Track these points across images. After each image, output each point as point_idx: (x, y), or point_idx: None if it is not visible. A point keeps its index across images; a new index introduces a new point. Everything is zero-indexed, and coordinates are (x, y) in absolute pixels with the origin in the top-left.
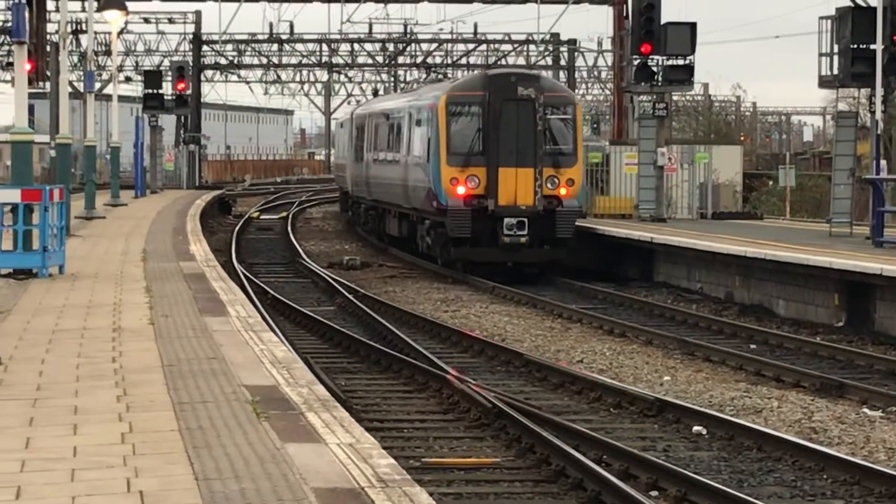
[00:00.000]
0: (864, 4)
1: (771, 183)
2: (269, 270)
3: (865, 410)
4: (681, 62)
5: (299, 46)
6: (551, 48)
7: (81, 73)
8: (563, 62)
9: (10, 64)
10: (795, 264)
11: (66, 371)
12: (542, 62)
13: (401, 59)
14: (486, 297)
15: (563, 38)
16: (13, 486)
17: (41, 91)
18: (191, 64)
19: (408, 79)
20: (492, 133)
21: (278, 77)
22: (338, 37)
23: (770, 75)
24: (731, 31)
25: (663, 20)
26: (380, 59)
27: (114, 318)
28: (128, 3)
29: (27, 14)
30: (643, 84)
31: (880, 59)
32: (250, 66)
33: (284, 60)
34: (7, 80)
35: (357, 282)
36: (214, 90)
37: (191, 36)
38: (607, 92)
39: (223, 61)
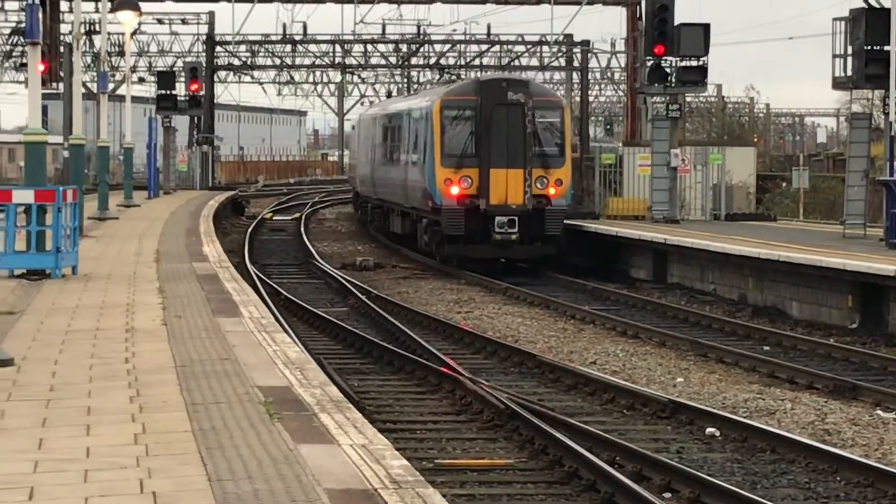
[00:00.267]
0: (877, 6)
1: (784, 184)
2: (282, 271)
3: (879, 412)
4: (694, 63)
5: (312, 47)
6: (564, 49)
7: (95, 73)
8: (576, 63)
9: (24, 65)
10: (809, 266)
11: (80, 372)
12: (556, 63)
13: (414, 60)
14: (500, 298)
15: (577, 38)
16: (26, 486)
17: (55, 92)
18: (204, 65)
19: (421, 80)
20: (483, 136)
21: (291, 78)
22: (351, 38)
23: (784, 77)
24: (744, 33)
25: (677, 21)
26: (393, 59)
27: (127, 318)
28: (141, 4)
29: (41, 15)
30: (657, 85)
31: (894, 61)
32: (263, 67)
33: (297, 61)
34: (21, 80)
35: (370, 283)
36: (228, 91)
37: (204, 37)
38: (620, 93)
39: (236, 62)
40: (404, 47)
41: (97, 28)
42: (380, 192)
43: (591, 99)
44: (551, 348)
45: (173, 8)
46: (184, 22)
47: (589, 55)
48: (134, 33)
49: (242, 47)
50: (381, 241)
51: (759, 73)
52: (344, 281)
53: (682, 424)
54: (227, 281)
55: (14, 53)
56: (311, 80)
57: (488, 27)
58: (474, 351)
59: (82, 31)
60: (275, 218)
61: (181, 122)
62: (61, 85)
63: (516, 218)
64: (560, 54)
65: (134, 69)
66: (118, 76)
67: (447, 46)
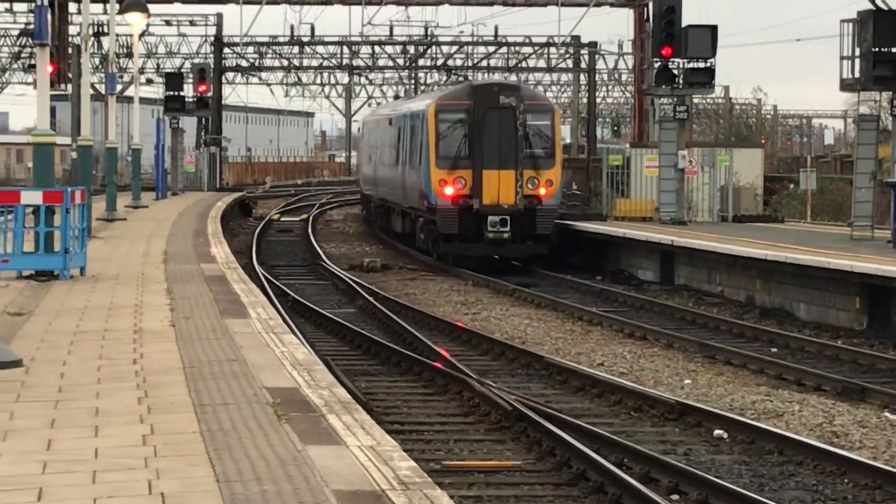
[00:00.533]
0: (885, 8)
1: (792, 186)
2: (290, 273)
3: (887, 414)
4: (701, 65)
5: (320, 49)
6: (572, 51)
7: (103, 75)
8: (583, 64)
9: (33, 66)
10: (816, 268)
11: (88, 373)
12: (563, 64)
13: (421, 62)
14: (507, 299)
15: (584, 40)
16: (35, 487)
17: (63, 93)
18: (212, 66)
19: (428, 81)
20: (476, 138)
21: (299, 79)
22: (359, 39)
23: (791, 78)
24: (752, 34)
25: (684, 23)
26: (400, 61)
27: (135, 319)
28: (149, 6)
29: (49, 16)
30: (664, 87)
31: None
32: (271, 69)
33: (305, 63)
34: (29, 82)
35: (377, 284)
36: (235, 92)
37: (212, 38)
38: (628, 94)
39: (244, 63)
40: (412, 49)
41: (105, 29)
42: (382, 192)
43: (598, 100)
44: (559, 350)
45: (181, 9)
46: (192, 23)
47: (596, 57)
48: (142, 35)
49: (250, 49)
50: (388, 242)
51: (766, 75)
52: (351, 282)
53: (689, 426)
54: (235, 282)
55: (23, 55)
56: (318, 81)
57: (496, 29)
58: (481, 352)
59: (91, 32)
60: (282, 219)
61: (189, 124)
62: (70, 86)
63: (508, 217)
64: (567, 56)
65: (142, 70)
66: (126, 77)
67: (455, 48)
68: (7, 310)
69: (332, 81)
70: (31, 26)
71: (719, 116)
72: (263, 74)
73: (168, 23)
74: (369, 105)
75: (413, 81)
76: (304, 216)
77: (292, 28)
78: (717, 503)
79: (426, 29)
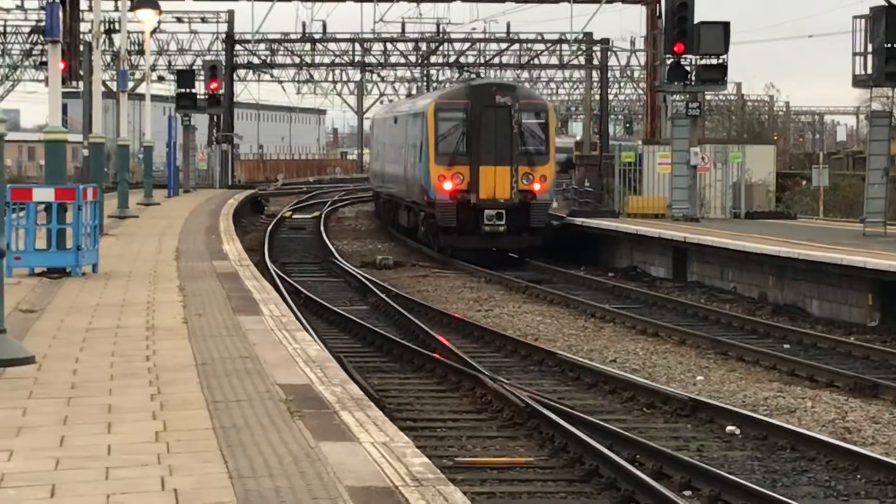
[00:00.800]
0: None
1: (804, 182)
2: (302, 270)
3: None
4: (714, 61)
5: (332, 46)
6: (584, 47)
7: (114, 72)
8: (595, 61)
9: (44, 63)
10: (829, 264)
11: (100, 369)
12: (575, 61)
13: (433, 59)
14: (519, 296)
15: (596, 37)
16: (48, 484)
17: (74, 90)
18: (223, 63)
19: (440, 78)
20: (474, 136)
21: (311, 76)
22: (370, 36)
23: (803, 74)
24: (764, 31)
25: (696, 19)
26: (412, 58)
27: (147, 316)
28: (160, 3)
29: (61, 13)
30: (676, 83)
31: None
32: (283, 66)
33: (317, 60)
34: (41, 79)
35: (390, 281)
36: (247, 89)
37: (223, 35)
38: (640, 91)
39: (256, 61)
40: (424, 46)
41: (117, 27)
42: (389, 188)
43: (610, 97)
44: (571, 346)
45: (193, 6)
46: (203, 20)
47: (608, 53)
48: (153, 32)
49: (262, 46)
50: (400, 238)
51: (778, 71)
52: (364, 279)
53: (702, 422)
54: (248, 279)
55: (34, 52)
56: (330, 78)
57: (508, 26)
58: (494, 349)
59: (102, 29)
60: (294, 216)
61: (201, 121)
62: (81, 83)
63: (504, 211)
64: (580, 53)
65: (153, 68)
66: (138, 75)
67: (466, 45)
68: (19, 307)
69: (344, 78)
70: (43, 23)
71: (731, 113)
72: (275, 71)
73: (179, 20)
74: (381, 102)
75: (425, 78)
76: (317, 213)
77: (304, 25)
78: (729, 499)
79: (438, 26)
